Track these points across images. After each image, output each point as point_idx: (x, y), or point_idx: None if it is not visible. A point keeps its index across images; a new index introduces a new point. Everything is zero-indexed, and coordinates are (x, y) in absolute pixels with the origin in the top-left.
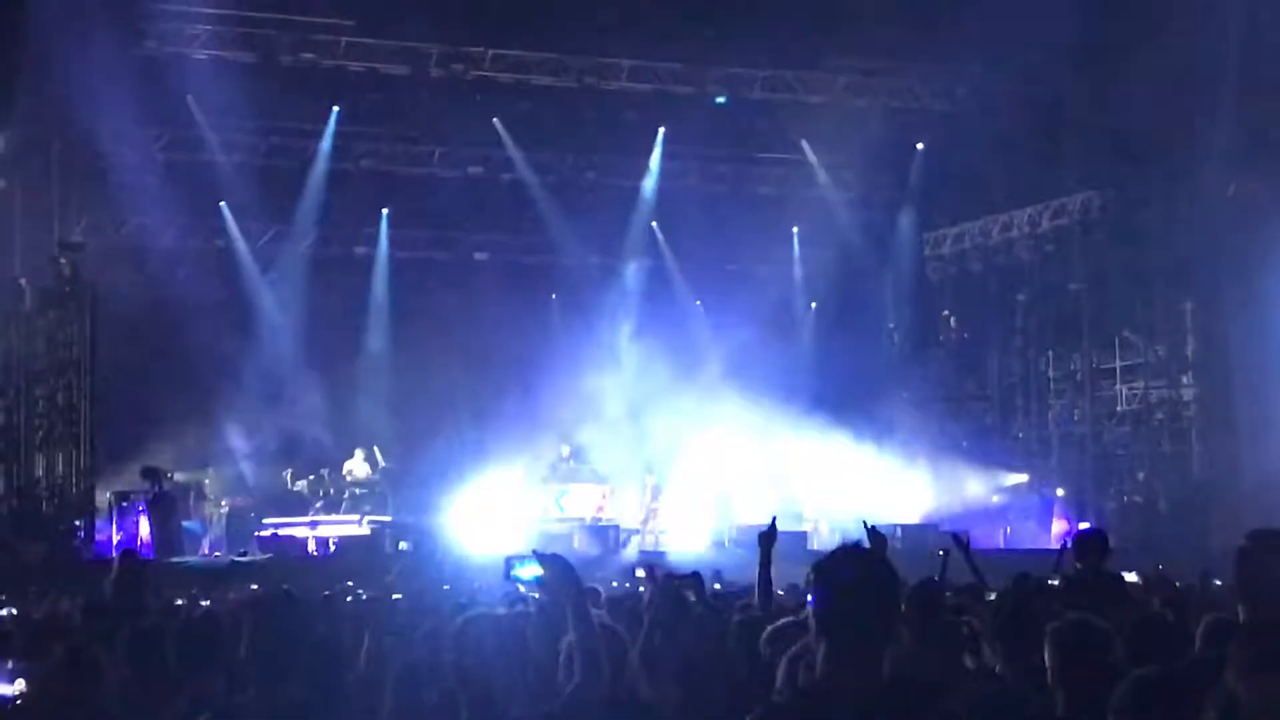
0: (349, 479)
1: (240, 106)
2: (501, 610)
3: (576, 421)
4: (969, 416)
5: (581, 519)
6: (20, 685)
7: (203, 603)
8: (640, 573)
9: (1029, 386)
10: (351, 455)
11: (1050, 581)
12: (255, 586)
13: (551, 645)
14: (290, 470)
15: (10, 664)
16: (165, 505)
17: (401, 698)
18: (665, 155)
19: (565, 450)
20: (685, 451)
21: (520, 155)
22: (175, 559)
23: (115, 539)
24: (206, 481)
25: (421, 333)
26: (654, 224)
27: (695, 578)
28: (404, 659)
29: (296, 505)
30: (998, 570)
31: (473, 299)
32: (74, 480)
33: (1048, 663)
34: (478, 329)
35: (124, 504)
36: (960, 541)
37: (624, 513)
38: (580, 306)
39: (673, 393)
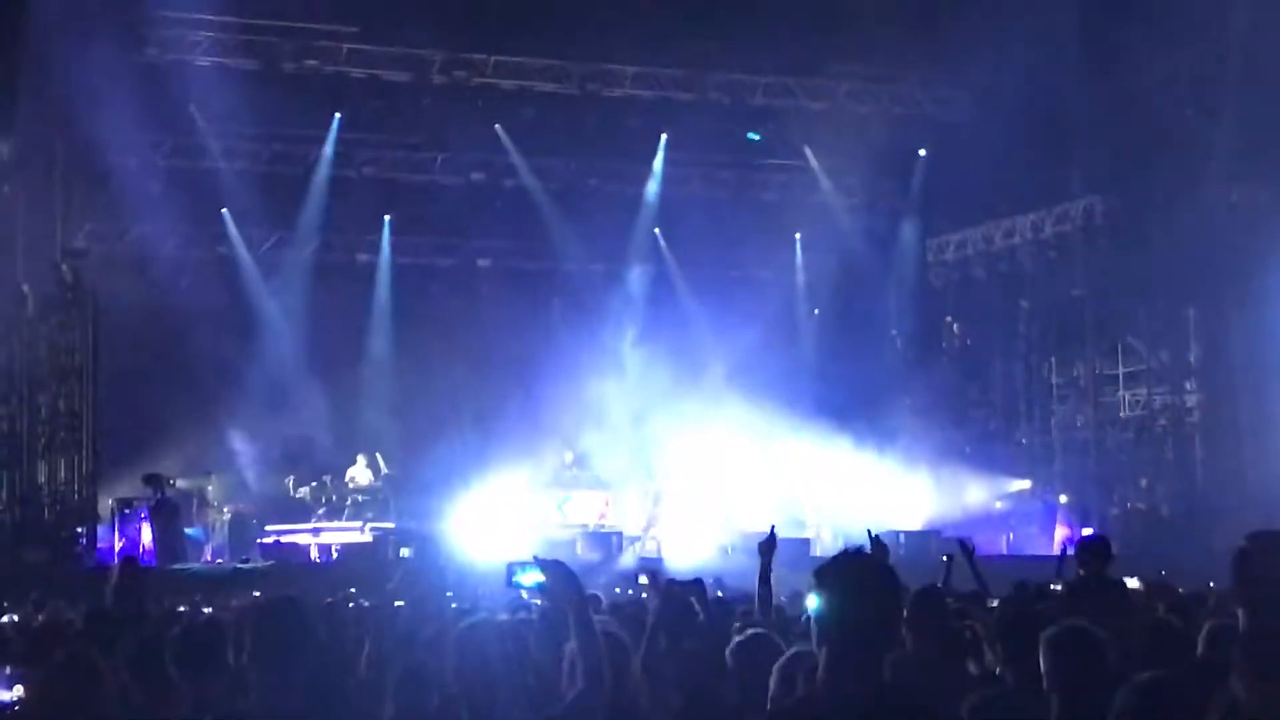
0: (351, 485)
1: (242, 113)
2: (503, 616)
3: (579, 428)
4: (972, 423)
5: (584, 525)
6: (19, 691)
7: (205, 609)
8: (643, 579)
9: (1032, 392)
10: (354, 462)
11: (1053, 586)
12: (257, 593)
13: (553, 651)
14: (293, 477)
15: (9, 670)
16: (167, 512)
17: (403, 704)
18: (668, 161)
19: (568, 456)
20: (687, 458)
21: (523, 161)
22: (177, 566)
23: (117, 546)
24: (209, 488)
25: (424, 339)
26: (656, 230)
27: (697, 584)
28: (406, 665)
29: (299, 512)
30: (1000, 577)
31: (475, 305)
32: (76, 487)
33: (1043, 668)
34: (480, 335)
35: (126, 511)
36: (965, 548)
37: (626, 519)
38: (583, 313)
39: (675, 399)
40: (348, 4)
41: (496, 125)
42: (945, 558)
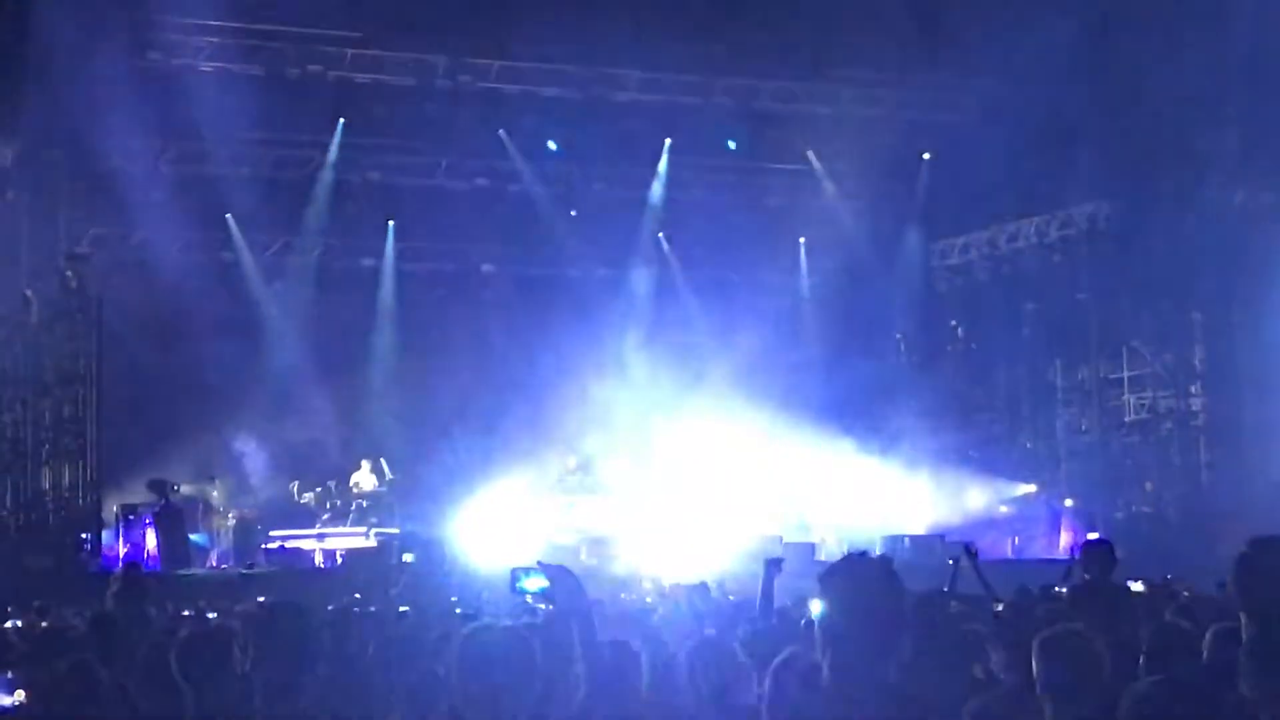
0: (356, 490)
1: (246, 118)
2: (507, 622)
3: (583, 433)
4: (976, 426)
5: (588, 530)
6: (21, 696)
7: (209, 615)
8: (647, 584)
9: (1037, 396)
10: (358, 467)
11: (1057, 589)
12: (262, 599)
13: (557, 657)
14: (297, 482)
15: (10, 675)
16: (172, 517)
17: (412, 709)
18: (672, 165)
19: (572, 461)
20: (692, 462)
21: (527, 167)
22: (182, 571)
23: (122, 551)
24: (214, 494)
25: (428, 344)
26: (661, 234)
27: (702, 589)
28: (412, 671)
29: (303, 517)
30: (1006, 580)
31: (479, 310)
32: (80, 492)
33: (1035, 673)
34: (484, 340)
35: (131, 516)
36: (970, 552)
37: (631, 524)
38: (587, 317)
39: (680, 403)
40: (352, 9)
41: (501, 130)
42: (951, 561)
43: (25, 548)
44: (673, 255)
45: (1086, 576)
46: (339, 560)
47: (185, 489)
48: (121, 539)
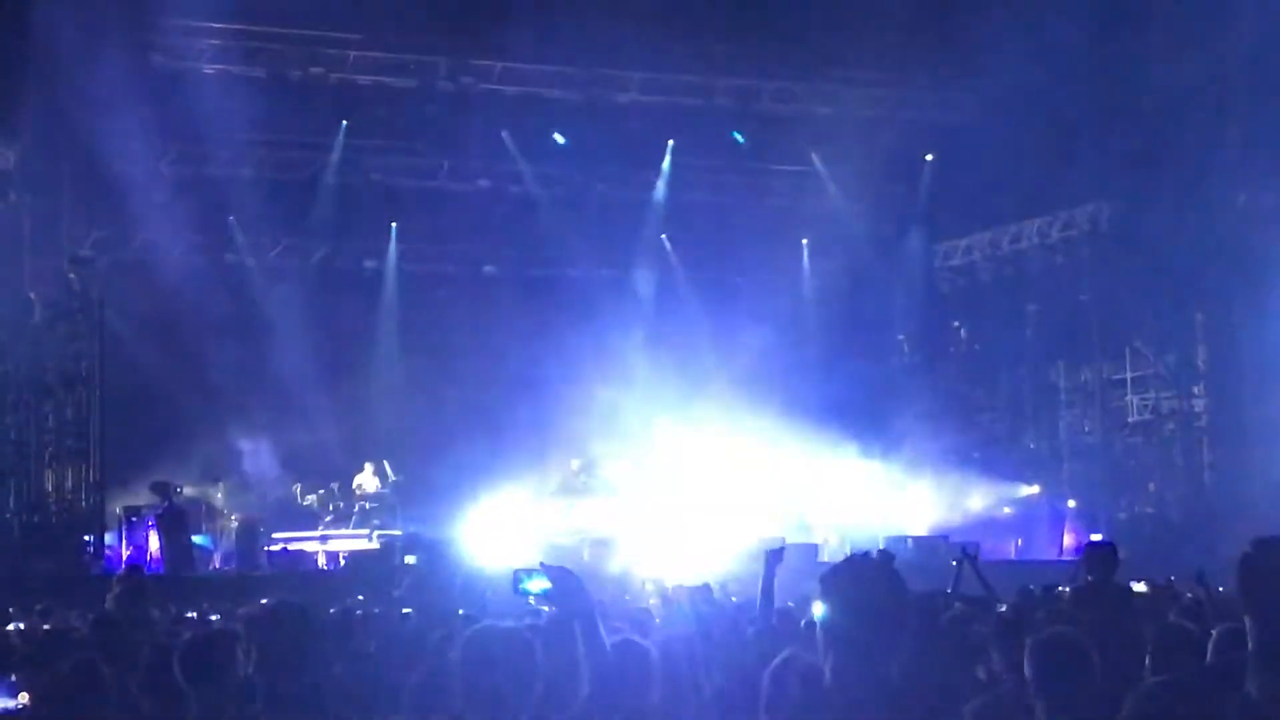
0: (359, 493)
1: (249, 120)
2: (509, 623)
3: (586, 434)
4: (979, 427)
5: (591, 532)
6: (24, 698)
7: (212, 617)
8: (650, 585)
9: (1039, 397)
10: (361, 469)
11: (1061, 589)
12: (265, 601)
13: (560, 658)
14: (300, 484)
15: (14, 677)
16: (175, 519)
17: (412, 711)
18: (674, 166)
19: (575, 464)
20: (695, 463)
21: (529, 168)
22: (185, 573)
23: (125, 554)
24: (217, 495)
25: (431, 346)
26: (663, 236)
27: (704, 590)
28: (415, 672)
29: (306, 519)
30: (1009, 581)
31: (482, 312)
32: (83, 494)
33: (1027, 674)
34: (487, 342)
35: (134, 518)
36: (969, 554)
37: (633, 525)
38: (590, 319)
39: (682, 405)
40: (353, 11)
41: (503, 132)
42: (954, 563)
43: (28, 550)
44: (675, 256)
45: (1089, 578)
46: (342, 562)
47: (188, 491)
48: (124, 541)
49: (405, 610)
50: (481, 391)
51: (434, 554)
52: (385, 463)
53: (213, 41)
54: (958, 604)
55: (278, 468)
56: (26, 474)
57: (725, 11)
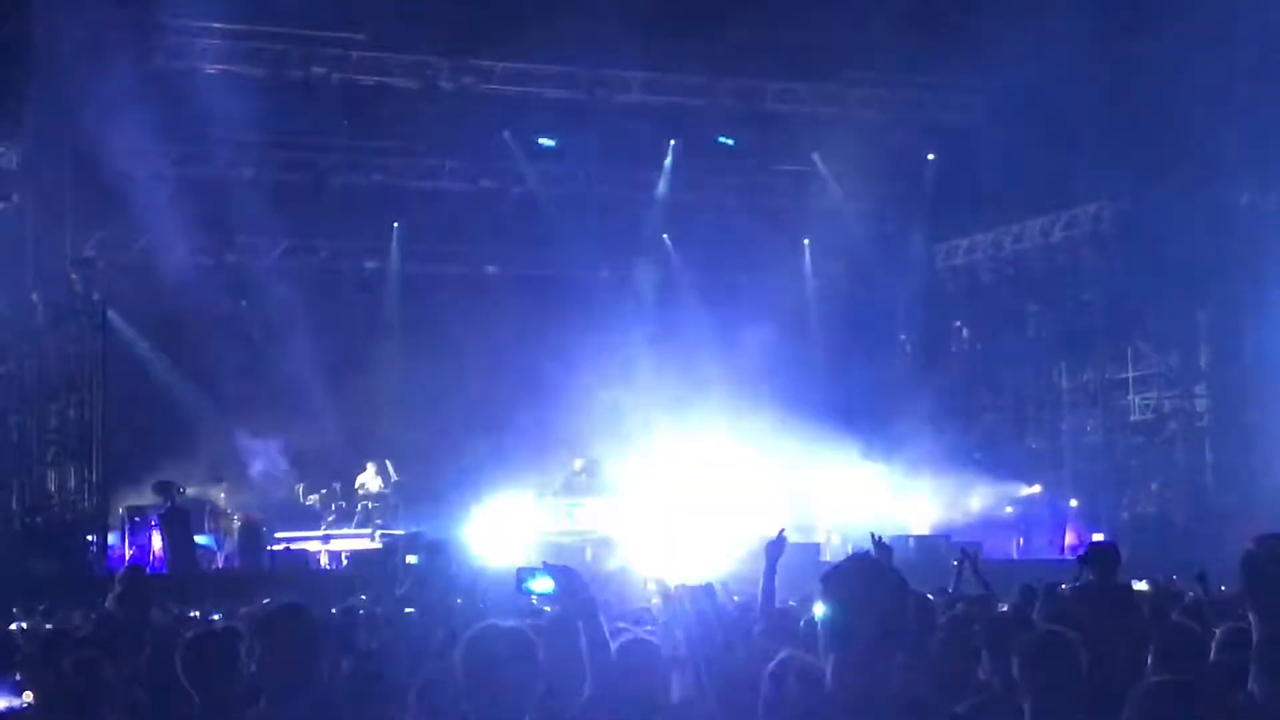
0: (361, 492)
1: (251, 121)
2: (511, 623)
3: (589, 434)
4: (981, 427)
5: (594, 532)
6: (28, 697)
7: (214, 617)
8: (651, 585)
9: (1041, 397)
10: (364, 469)
11: (1062, 587)
12: (267, 600)
13: (564, 657)
14: (303, 484)
15: (18, 677)
16: (178, 519)
17: (415, 711)
18: (676, 167)
19: (578, 463)
20: (696, 463)
21: (531, 168)
22: (188, 573)
23: (128, 554)
24: (220, 496)
25: (433, 345)
26: (665, 236)
27: (708, 590)
28: (418, 672)
29: (309, 519)
30: (1011, 581)
31: (484, 312)
32: (86, 495)
33: (1015, 675)
34: (489, 341)
35: (137, 519)
36: (968, 555)
37: (636, 525)
38: (592, 319)
39: (684, 405)
40: (355, 11)
41: (505, 131)
42: (956, 562)
43: (31, 550)
44: (677, 256)
45: (1090, 577)
46: (344, 562)
47: (191, 491)
48: (127, 541)
49: (407, 610)
50: (484, 391)
51: (436, 554)
52: (387, 462)
53: (215, 42)
54: (960, 603)
55: (280, 468)
56: (29, 474)
57: (727, 12)
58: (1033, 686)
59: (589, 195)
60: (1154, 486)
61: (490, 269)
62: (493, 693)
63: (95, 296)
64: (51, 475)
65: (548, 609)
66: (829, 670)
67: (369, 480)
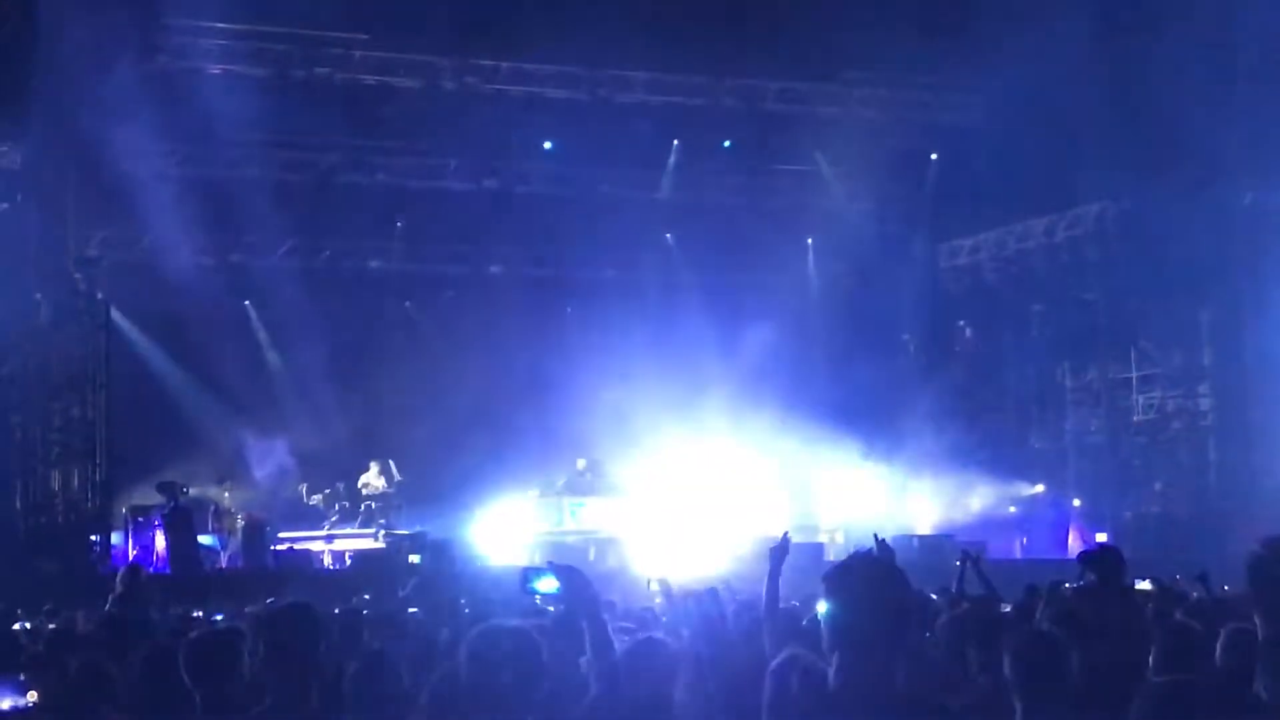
0: (365, 492)
1: (254, 120)
2: (515, 622)
3: (592, 434)
4: (984, 427)
5: (597, 531)
6: (33, 697)
7: (218, 616)
8: (654, 586)
9: (1045, 397)
10: (367, 468)
11: (1066, 585)
12: (271, 600)
13: (568, 657)
14: (306, 484)
15: (22, 676)
16: (181, 519)
17: (419, 710)
18: (679, 167)
19: (581, 463)
20: (700, 463)
21: (534, 168)
22: (191, 573)
23: (131, 554)
24: (224, 495)
25: (437, 345)
26: (668, 236)
27: (711, 594)
28: (422, 672)
29: (312, 519)
30: (1014, 580)
31: (488, 311)
32: (89, 495)
33: (1006, 674)
34: (492, 341)
35: (140, 518)
36: (970, 555)
37: (639, 525)
38: (595, 319)
39: (688, 404)
40: (359, 11)
41: (508, 131)
42: (958, 562)
43: (34, 550)
44: (680, 256)
45: (1092, 577)
46: (347, 562)
47: (194, 491)
48: (131, 541)
49: (411, 610)
50: (487, 391)
51: (440, 554)
52: (391, 462)
53: (218, 42)
54: (965, 603)
55: (284, 467)
56: (33, 474)
57: (731, 12)
58: (1023, 686)
59: (592, 195)
60: (1157, 486)
61: (494, 269)
62: (496, 693)
63: (99, 296)
64: (55, 475)
65: (551, 609)
66: (832, 669)
67: (372, 480)
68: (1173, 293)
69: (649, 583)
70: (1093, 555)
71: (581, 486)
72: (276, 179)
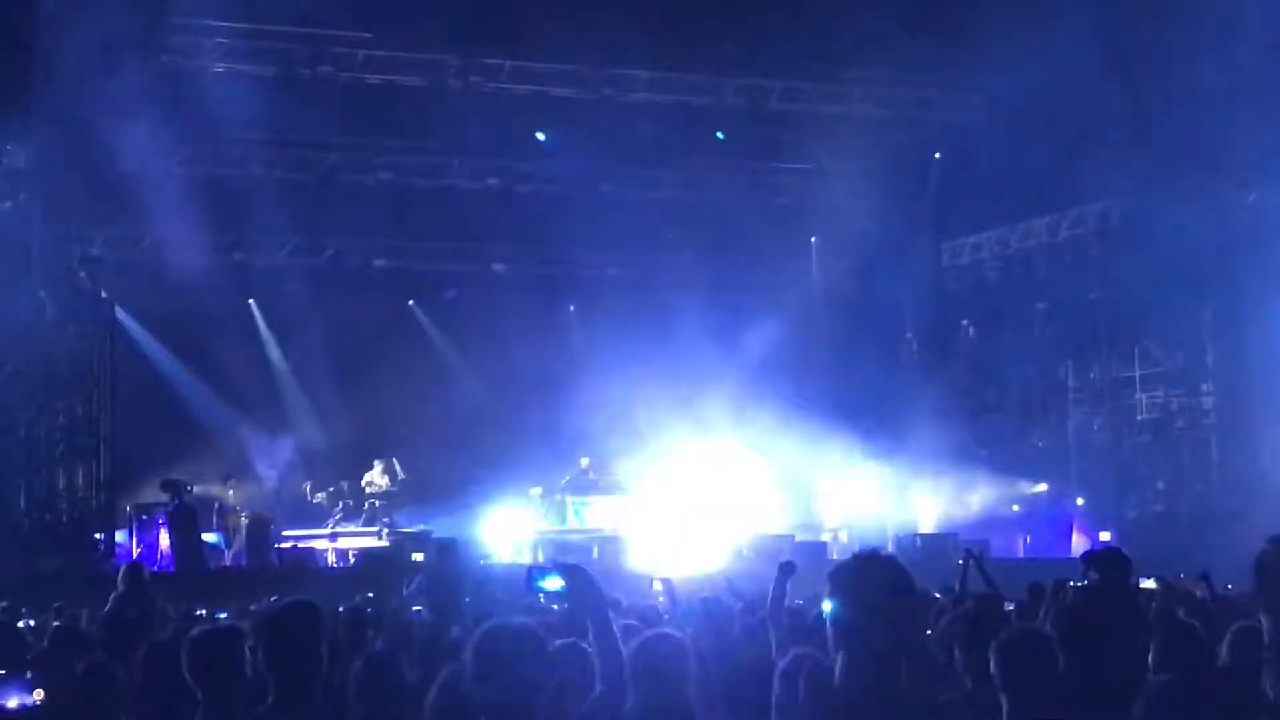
0: (369, 490)
1: (258, 119)
2: (520, 620)
3: (596, 432)
4: (987, 426)
5: (601, 530)
6: (39, 695)
7: (221, 615)
8: (657, 585)
9: (1048, 395)
10: (371, 467)
11: (1072, 583)
12: (275, 598)
13: (573, 656)
14: (310, 482)
15: (29, 675)
16: (185, 518)
17: (423, 709)
18: (683, 165)
19: (585, 462)
20: (704, 461)
21: (538, 166)
22: (195, 571)
23: (135, 552)
24: (228, 493)
25: (440, 343)
26: (672, 234)
27: (714, 601)
28: (426, 670)
29: (316, 517)
30: (1018, 579)
31: (492, 310)
32: (94, 493)
33: (993, 672)
34: (497, 340)
35: (144, 517)
36: (973, 555)
37: (643, 523)
38: (598, 317)
39: (691, 403)
40: (363, 9)
41: (512, 130)
42: (961, 561)
43: (38, 548)
44: (683, 254)
45: (1095, 576)
46: (351, 560)
47: (198, 489)
48: (135, 539)
49: (416, 608)
50: (491, 389)
51: (444, 552)
52: (395, 460)
53: (222, 40)
54: (969, 602)
55: (288, 465)
56: (37, 472)
57: (734, 11)
58: (1008, 683)
59: (596, 193)
60: (1160, 485)
61: (497, 267)
62: (503, 690)
63: (103, 294)
64: (59, 473)
65: (555, 608)
66: (838, 668)
67: (376, 478)
68: (1176, 291)
69: (653, 581)
70: (1095, 555)
71: (585, 485)
72: (281, 177)
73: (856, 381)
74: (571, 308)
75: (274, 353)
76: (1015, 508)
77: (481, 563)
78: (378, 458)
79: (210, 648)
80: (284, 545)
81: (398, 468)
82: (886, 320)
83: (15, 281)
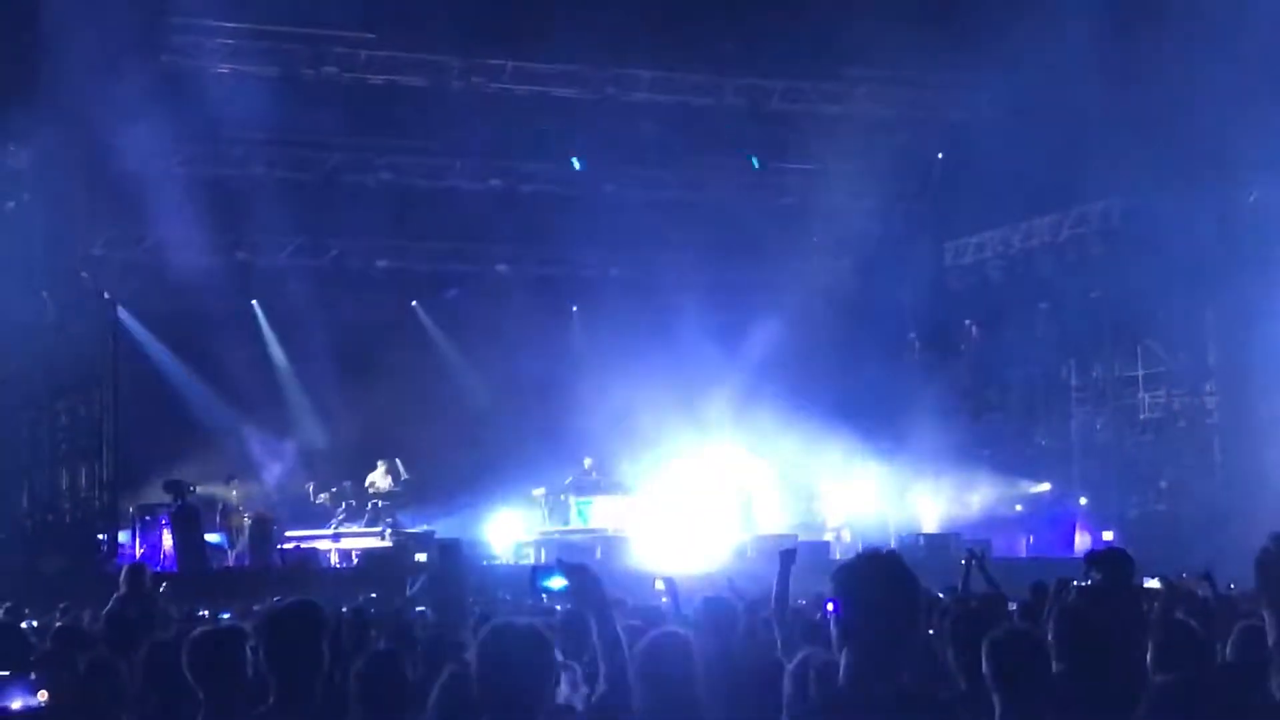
0: (371, 491)
1: (260, 119)
2: (524, 620)
3: (598, 433)
4: (990, 425)
5: (604, 530)
6: (43, 696)
7: (224, 615)
8: (659, 584)
9: (1050, 395)
10: (374, 467)
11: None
12: (278, 599)
13: (576, 655)
14: (313, 483)
15: (33, 676)
16: (188, 518)
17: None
18: (685, 165)
19: (588, 462)
20: (706, 461)
21: (540, 167)
22: (198, 572)
23: (138, 552)
24: (231, 494)
25: (443, 344)
26: (673, 234)
27: (716, 601)
28: (429, 670)
29: (319, 517)
30: (1021, 579)
31: (494, 311)
32: (97, 493)
33: (984, 671)
34: (499, 341)
35: (147, 517)
36: (975, 554)
37: (646, 523)
38: (601, 317)
39: (693, 403)
40: (365, 11)
41: (514, 131)
42: (964, 560)
43: (41, 548)
44: (686, 255)
45: (1098, 576)
46: (354, 560)
47: (201, 489)
48: (138, 539)
49: (419, 609)
50: (493, 390)
51: (447, 552)
52: (398, 461)
53: (225, 41)
54: (973, 601)
55: (290, 466)
56: (40, 472)
57: (735, 10)
58: (1000, 682)
59: (598, 194)
60: (1163, 484)
61: (500, 268)
62: (507, 690)
63: (105, 295)
64: (62, 473)
65: (558, 607)
66: (843, 667)
67: (379, 479)
68: (1178, 291)
69: (655, 580)
70: (1098, 555)
71: (588, 485)
72: (283, 178)
73: (859, 381)
74: (574, 308)
75: (276, 353)
76: (1018, 507)
77: (485, 563)
78: (381, 458)
79: (211, 648)
80: (287, 546)
81: (401, 468)
82: (888, 320)
83: (17, 282)
